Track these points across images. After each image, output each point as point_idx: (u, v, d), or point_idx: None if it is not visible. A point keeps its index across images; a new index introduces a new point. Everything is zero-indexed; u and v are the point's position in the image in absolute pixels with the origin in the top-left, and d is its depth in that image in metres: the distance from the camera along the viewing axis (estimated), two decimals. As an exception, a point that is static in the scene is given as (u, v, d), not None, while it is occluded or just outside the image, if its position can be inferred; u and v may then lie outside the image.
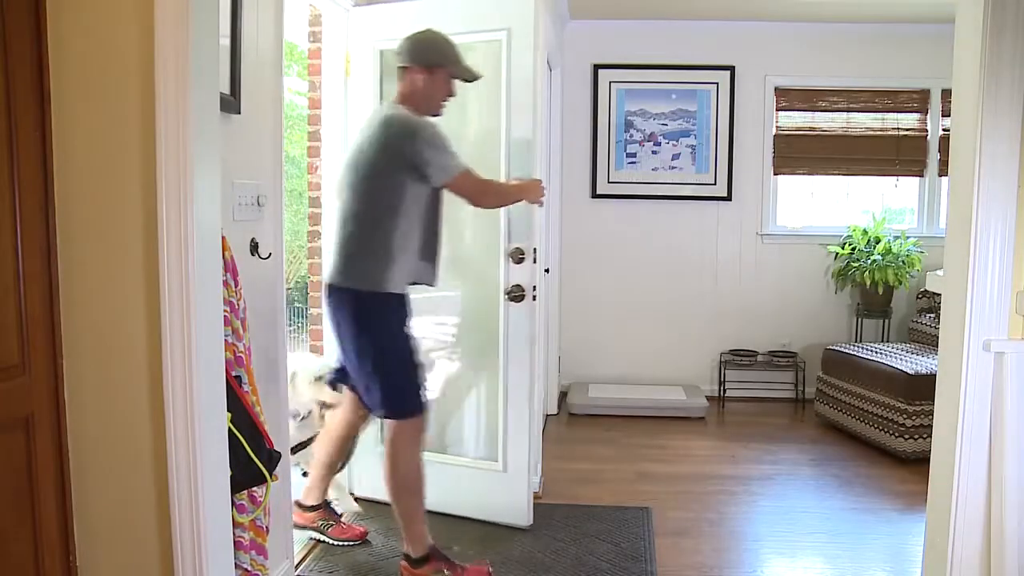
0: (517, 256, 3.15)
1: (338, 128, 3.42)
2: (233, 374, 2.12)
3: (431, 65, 2.70)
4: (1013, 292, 2.24)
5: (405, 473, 2.74)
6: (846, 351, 4.74)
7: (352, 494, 3.40)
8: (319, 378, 2.97)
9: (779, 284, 5.44)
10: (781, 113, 5.39)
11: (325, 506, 3.09)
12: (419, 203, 2.66)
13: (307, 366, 3.03)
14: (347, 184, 2.70)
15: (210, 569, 1.90)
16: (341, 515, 3.17)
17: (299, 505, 3.02)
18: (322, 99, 3.45)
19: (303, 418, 2.96)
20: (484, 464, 3.33)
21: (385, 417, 2.82)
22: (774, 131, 5.39)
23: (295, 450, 2.96)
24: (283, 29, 2.60)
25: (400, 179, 2.61)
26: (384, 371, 2.69)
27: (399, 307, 2.70)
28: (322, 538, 3.04)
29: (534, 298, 3.18)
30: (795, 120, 5.39)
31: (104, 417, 1.90)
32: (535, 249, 3.16)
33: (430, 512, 2.83)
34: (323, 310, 2.86)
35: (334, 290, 2.71)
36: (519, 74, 3.10)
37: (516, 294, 3.16)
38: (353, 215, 2.67)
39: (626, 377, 5.43)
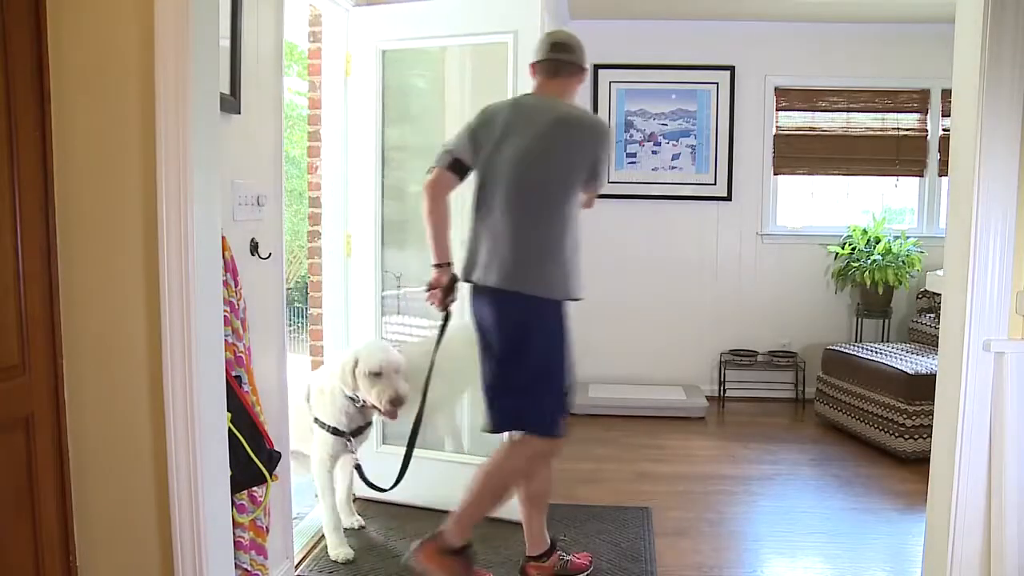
0: None
1: (338, 128, 3.42)
2: (233, 374, 2.12)
3: (585, 66, 2.70)
4: (1013, 292, 2.24)
5: (504, 481, 2.60)
6: (846, 351, 4.74)
7: (354, 495, 3.40)
8: (376, 373, 2.79)
9: (779, 284, 5.44)
10: (781, 113, 5.39)
11: (554, 547, 2.81)
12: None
13: (370, 356, 2.82)
14: (526, 183, 2.49)
15: (210, 569, 1.90)
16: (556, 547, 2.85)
17: (532, 559, 2.77)
18: (322, 99, 3.45)
19: (362, 405, 2.88)
20: (478, 460, 3.20)
21: (523, 430, 2.59)
22: (774, 131, 5.39)
23: (355, 433, 2.94)
24: (283, 29, 2.60)
25: (580, 180, 2.56)
26: (543, 383, 2.52)
27: (565, 319, 2.57)
28: None
29: None
30: (795, 120, 5.39)
31: (104, 417, 1.91)
32: None
33: (425, 509, 2.81)
34: (474, 311, 2.57)
35: (501, 294, 2.48)
36: (526, 76, 3.03)
37: None
38: (538, 219, 2.49)
39: (626, 377, 5.43)
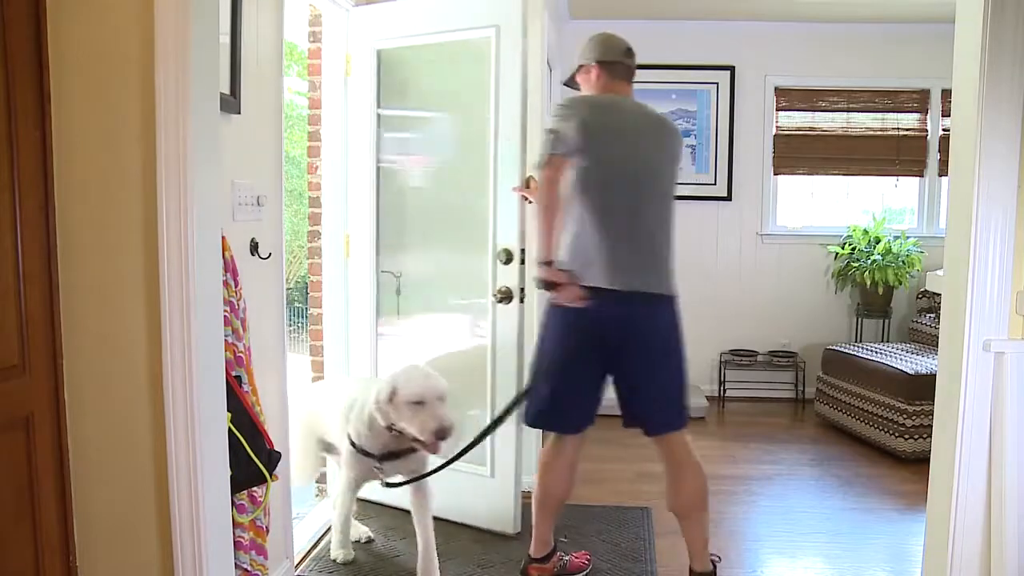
0: (505, 257, 3.06)
1: (338, 128, 3.42)
2: (233, 374, 2.12)
3: None
4: (1013, 292, 2.24)
5: (703, 477, 2.64)
6: (846, 351, 4.74)
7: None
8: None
9: (779, 284, 5.44)
10: (781, 113, 5.39)
11: (555, 549, 2.82)
12: None
13: (410, 383, 2.58)
14: (643, 186, 2.49)
15: (210, 569, 1.90)
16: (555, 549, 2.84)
17: (535, 560, 2.77)
18: (322, 99, 3.45)
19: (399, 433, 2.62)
20: (471, 469, 3.20)
21: (674, 429, 2.63)
22: (774, 131, 5.39)
23: (386, 458, 2.71)
24: (283, 29, 2.60)
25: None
26: (684, 379, 2.63)
27: None
28: None
29: (522, 300, 3.08)
30: (795, 120, 5.39)
31: (104, 417, 1.90)
32: (523, 250, 3.04)
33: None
34: (620, 321, 2.46)
35: (659, 300, 2.51)
36: (508, 72, 3.01)
37: (504, 296, 3.06)
38: (660, 220, 2.53)
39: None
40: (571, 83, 2.79)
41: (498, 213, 3.10)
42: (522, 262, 3.05)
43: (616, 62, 2.66)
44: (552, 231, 2.43)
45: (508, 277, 3.08)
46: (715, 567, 2.65)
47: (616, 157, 2.48)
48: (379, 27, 3.31)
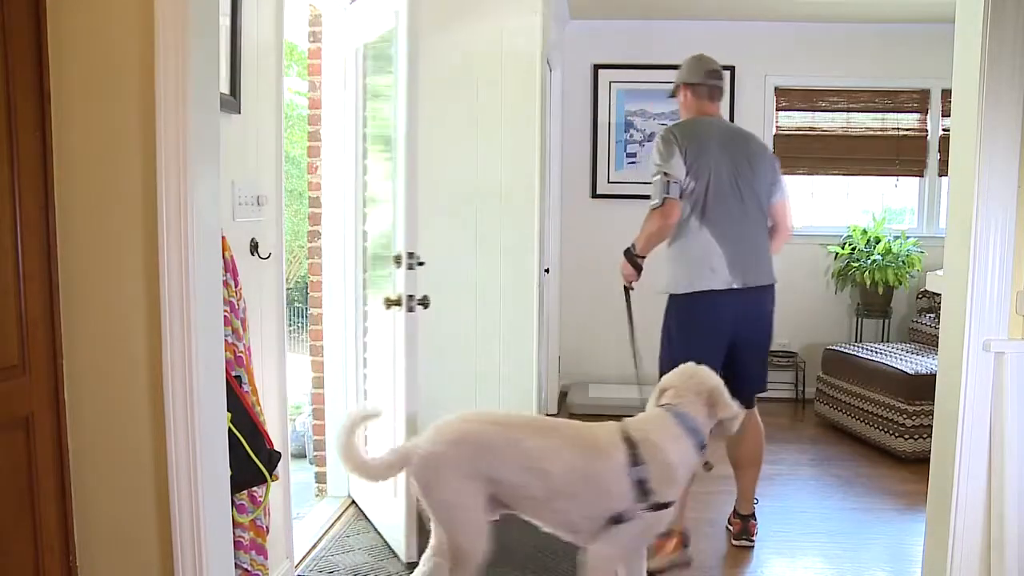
0: (400, 261, 2.79)
1: (338, 128, 3.42)
2: (233, 374, 2.12)
3: None
4: (1013, 292, 2.24)
5: (762, 444, 3.15)
6: (846, 351, 4.74)
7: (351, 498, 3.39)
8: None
9: (779, 284, 5.42)
10: (781, 113, 5.39)
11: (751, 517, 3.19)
12: None
13: None
14: (744, 192, 2.93)
15: (210, 569, 1.90)
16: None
17: (739, 515, 3.16)
18: (322, 99, 3.45)
19: None
20: None
21: (757, 396, 3.08)
22: (774, 131, 5.39)
23: None
24: (283, 29, 2.60)
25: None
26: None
27: None
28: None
29: (411, 309, 2.79)
30: (795, 120, 5.39)
31: (104, 417, 1.90)
32: (411, 254, 2.77)
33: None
34: (742, 309, 2.95)
35: (767, 289, 3.00)
36: (400, 72, 2.77)
37: (394, 301, 2.84)
38: (758, 220, 3.00)
39: (626, 377, 5.40)
40: (674, 95, 3.16)
41: (397, 214, 2.87)
42: (409, 267, 2.78)
43: (700, 83, 3.00)
44: (652, 248, 3.00)
45: (401, 283, 2.81)
46: (754, 513, 3.17)
47: (715, 175, 2.88)
48: (361, 24, 3.26)
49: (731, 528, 3.21)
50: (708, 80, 3.00)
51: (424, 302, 2.85)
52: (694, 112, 3.03)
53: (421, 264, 2.84)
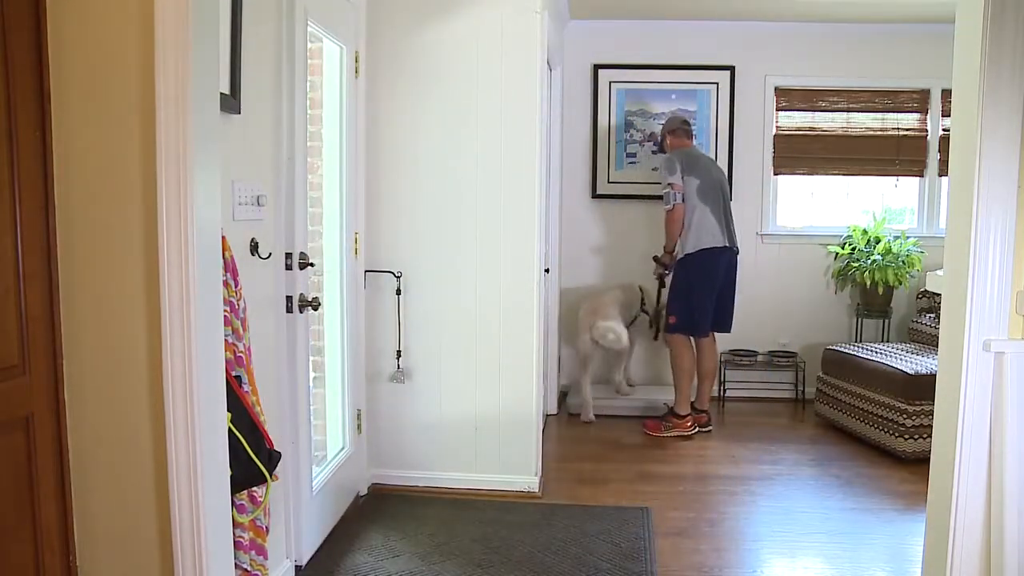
0: (287, 262, 2.69)
1: (337, 128, 3.42)
2: (233, 374, 2.12)
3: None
4: (1013, 292, 2.24)
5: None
6: (846, 351, 4.74)
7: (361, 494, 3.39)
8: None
9: (779, 284, 5.44)
10: (781, 113, 5.39)
11: (694, 411, 4.63)
12: None
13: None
14: (721, 190, 4.50)
15: (210, 569, 1.90)
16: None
17: (676, 415, 4.57)
18: (322, 99, 3.45)
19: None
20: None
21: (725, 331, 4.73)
22: (774, 131, 5.39)
23: None
24: (283, 28, 2.60)
25: None
26: None
27: None
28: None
29: (301, 309, 2.73)
30: (795, 120, 5.39)
31: (104, 417, 1.91)
32: (287, 254, 2.68)
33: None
34: (721, 267, 4.50)
35: (737, 252, 4.58)
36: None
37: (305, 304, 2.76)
38: (728, 206, 4.55)
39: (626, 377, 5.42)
40: (661, 147, 4.82)
41: (284, 212, 2.69)
42: (288, 267, 2.69)
43: (678, 129, 4.65)
44: (675, 241, 4.53)
45: (292, 283, 2.73)
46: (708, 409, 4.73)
47: (710, 182, 4.46)
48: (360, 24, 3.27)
49: (698, 425, 4.60)
50: (683, 127, 4.66)
51: (314, 304, 2.77)
52: (679, 147, 4.59)
53: (311, 265, 2.81)
